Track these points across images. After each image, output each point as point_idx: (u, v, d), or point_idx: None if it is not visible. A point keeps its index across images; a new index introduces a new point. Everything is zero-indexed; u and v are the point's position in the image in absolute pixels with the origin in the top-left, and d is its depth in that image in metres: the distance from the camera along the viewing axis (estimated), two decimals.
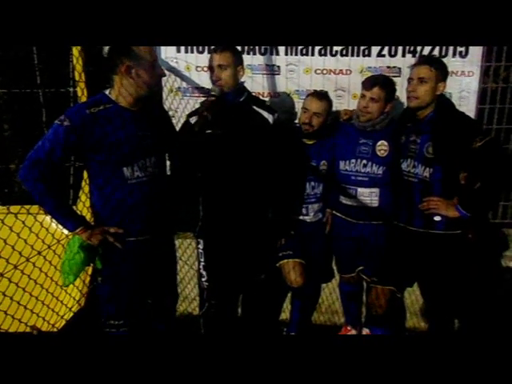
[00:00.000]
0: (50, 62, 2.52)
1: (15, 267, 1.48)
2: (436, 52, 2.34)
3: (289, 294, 2.49)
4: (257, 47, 2.39)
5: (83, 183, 1.92)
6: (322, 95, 2.13)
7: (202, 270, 2.06)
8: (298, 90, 2.44)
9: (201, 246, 2.05)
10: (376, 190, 2.09)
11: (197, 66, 2.43)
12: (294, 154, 2.11)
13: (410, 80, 1.91)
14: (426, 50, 2.34)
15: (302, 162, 2.13)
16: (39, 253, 1.62)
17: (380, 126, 2.05)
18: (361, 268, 2.22)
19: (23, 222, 1.53)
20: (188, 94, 2.47)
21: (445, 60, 2.07)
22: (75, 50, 1.98)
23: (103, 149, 1.53)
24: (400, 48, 2.36)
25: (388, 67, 2.38)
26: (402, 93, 2.19)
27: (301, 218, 2.19)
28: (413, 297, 2.57)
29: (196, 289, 2.59)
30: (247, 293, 2.18)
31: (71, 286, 1.70)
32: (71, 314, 1.91)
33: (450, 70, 1.96)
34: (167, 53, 2.41)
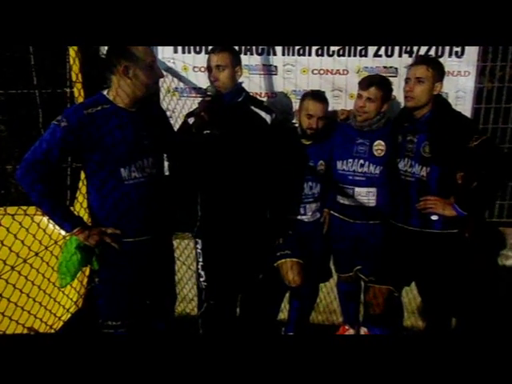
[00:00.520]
0: (47, 63, 2.51)
1: (12, 268, 1.47)
2: (432, 52, 2.35)
3: (287, 294, 2.49)
4: (254, 47, 2.39)
5: (80, 184, 1.92)
6: (321, 97, 2.12)
7: (200, 270, 2.06)
8: (295, 90, 2.44)
9: (199, 246, 2.05)
10: (373, 190, 2.10)
11: (194, 67, 2.43)
12: (292, 154, 2.11)
13: (407, 80, 1.92)
14: (423, 50, 2.35)
15: (299, 162, 2.13)
16: (36, 254, 1.61)
17: (377, 126, 2.06)
18: (358, 267, 2.23)
19: (20, 223, 1.52)
20: (185, 95, 2.47)
21: (441, 60, 2.08)
22: (72, 51, 1.96)
23: (100, 149, 1.52)
24: (397, 48, 2.36)
25: (385, 67, 2.39)
26: (398, 93, 2.21)
27: (298, 217, 2.19)
28: (410, 296, 2.58)
29: (194, 289, 2.59)
30: (245, 293, 2.18)
31: (68, 286, 1.69)
32: (69, 315, 1.90)
33: (446, 69, 1.97)
34: (164, 53, 2.41)
